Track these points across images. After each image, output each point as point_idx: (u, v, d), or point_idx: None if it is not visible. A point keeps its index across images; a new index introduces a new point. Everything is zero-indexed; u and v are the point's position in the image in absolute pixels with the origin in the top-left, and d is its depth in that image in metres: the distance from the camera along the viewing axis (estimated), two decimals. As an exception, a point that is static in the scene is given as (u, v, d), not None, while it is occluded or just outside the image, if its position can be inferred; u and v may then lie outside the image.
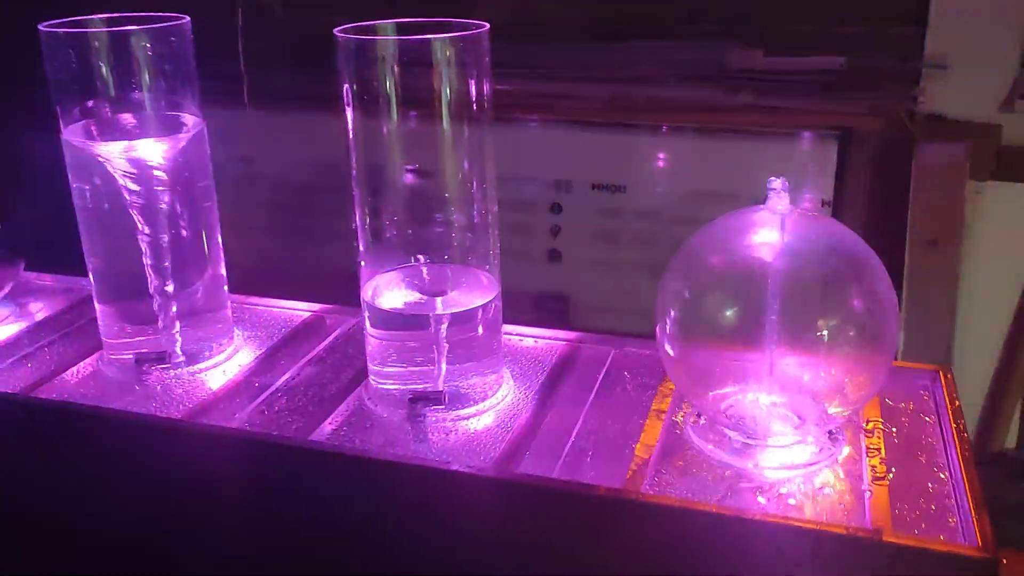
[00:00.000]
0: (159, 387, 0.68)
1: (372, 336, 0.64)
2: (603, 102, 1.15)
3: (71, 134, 0.66)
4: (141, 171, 0.65)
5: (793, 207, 0.57)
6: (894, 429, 0.60)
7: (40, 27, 0.63)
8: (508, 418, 0.63)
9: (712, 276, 0.57)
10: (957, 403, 0.61)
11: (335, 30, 0.58)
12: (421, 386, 0.63)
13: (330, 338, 0.75)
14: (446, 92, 0.57)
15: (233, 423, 0.62)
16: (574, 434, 0.61)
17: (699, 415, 0.61)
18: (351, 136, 0.61)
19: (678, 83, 1.16)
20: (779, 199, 0.56)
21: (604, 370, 0.69)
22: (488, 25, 0.57)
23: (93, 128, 0.66)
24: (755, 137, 1.09)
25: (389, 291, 0.65)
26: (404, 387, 0.64)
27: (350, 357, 0.72)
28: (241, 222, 1.29)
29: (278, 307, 0.81)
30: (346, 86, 0.59)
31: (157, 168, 0.65)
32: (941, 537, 0.49)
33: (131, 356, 0.69)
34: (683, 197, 1.11)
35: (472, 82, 0.58)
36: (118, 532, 0.65)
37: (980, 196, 1.17)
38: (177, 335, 0.70)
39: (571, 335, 0.74)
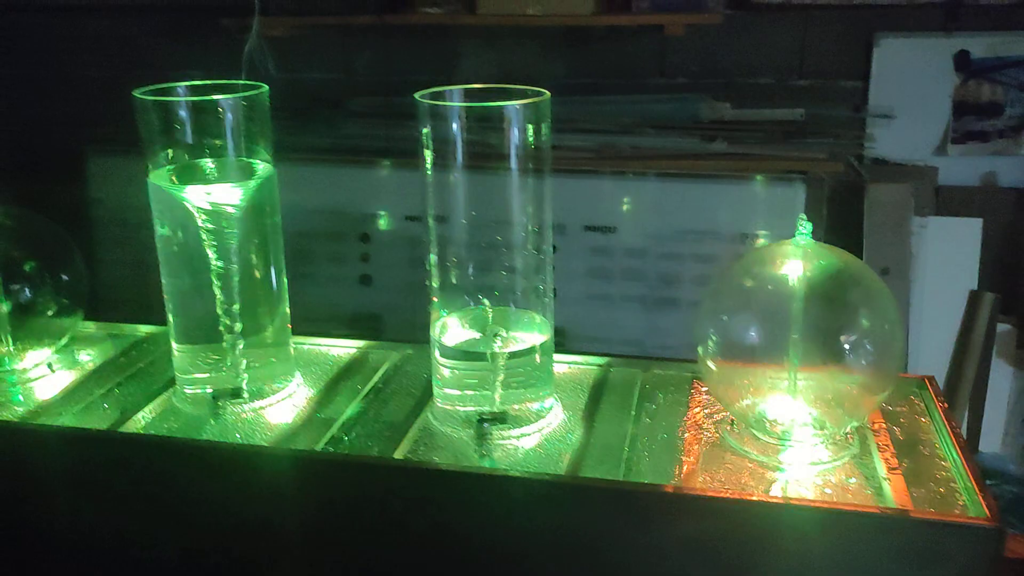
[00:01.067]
0: (236, 421, 0.73)
1: (441, 366, 0.71)
2: (591, 151, 1.25)
3: (157, 178, 0.71)
4: (217, 212, 0.71)
5: (815, 241, 0.66)
6: (896, 429, 0.70)
7: (134, 94, 0.70)
8: (564, 434, 0.70)
9: (745, 301, 0.66)
10: (946, 405, 0.71)
11: (416, 95, 0.66)
12: (485, 408, 0.70)
13: (381, 371, 0.81)
14: (513, 149, 0.66)
15: (312, 449, 0.68)
16: (626, 445, 0.68)
17: (732, 422, 0.70)
18: (427, 188, 0.68)
19: (657, 133, 1.27)
20: (804, 234, 0.66)
21: (638, 389, 0.77)
22: (549, 93, 0.66)
23: (175, 176, 0.72)
24: (730, 180, 1.20)
25: (456, 329, 0.72)
26: (469, 409, 0.70)
27: (406, 387, 0.78)
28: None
29: (325, 344, 0.87)
30: (423, 144, 0.67)
31: (231, 209, 0.71)
32: (956, 512, 0.58)
33: (205, 391, 0.74)
34: (669, 236, 1.21)
35: (535, 140, 0.66)
36: (211, 560, 0.70)
37: (924, 230, 1.30)
38: (246, 371, 0.75)
39: (601, 360, 0.82)
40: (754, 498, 0.58)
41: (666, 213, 1.22)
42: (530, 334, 0.71)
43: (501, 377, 0.70)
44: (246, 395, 0.75)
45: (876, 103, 1.32)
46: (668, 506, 0.60)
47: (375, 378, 0.80)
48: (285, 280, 0.78)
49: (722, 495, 0.59)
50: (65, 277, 0.80)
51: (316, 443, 0.69)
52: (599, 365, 0.81)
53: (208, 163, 0.72)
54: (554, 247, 1.34)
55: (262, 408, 0.75)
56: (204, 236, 0.72)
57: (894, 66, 1.33)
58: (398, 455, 0.68)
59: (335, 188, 1.33)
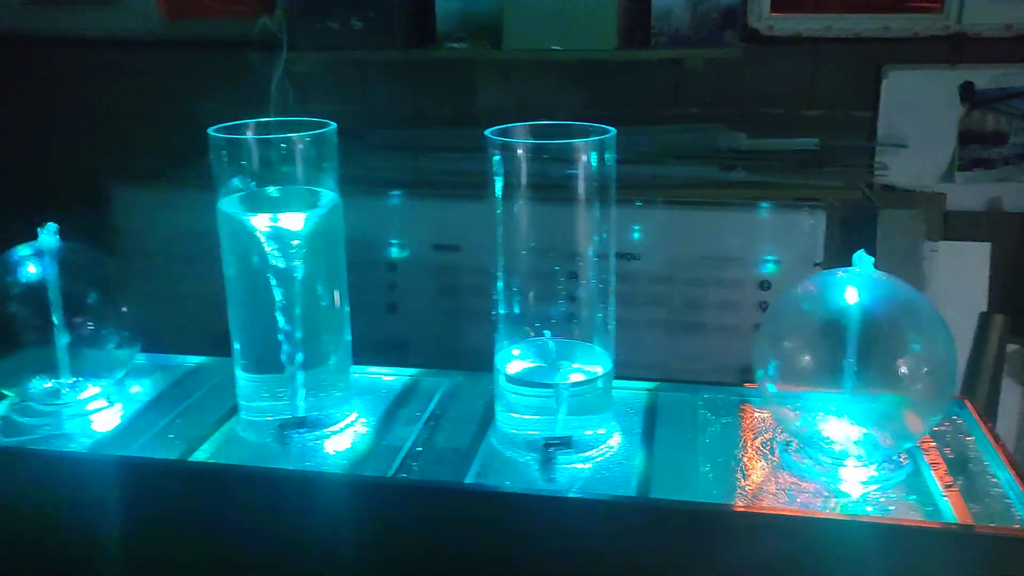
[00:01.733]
0: (302, 449, 0.74)
1: (506, 393, 0.74)
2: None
3: (226, 205, 0.73)
4: (283, 238, 0.73)
5: (872, 269, 0.69)
6: (944, 448, 0.73)
7: (209, 131, 0.72)
8: (626, 457, 0.72)
9: (804, 326, 0.69)
10: (989, 424, 0.74)
11: (487, 132, 0.69)
12: (549, 434, 0.72)
13: (436, 398, 0.83)
14: (582, 184, 0.68)
15: (384, 475, 0.70)
16: (691, 465, 0.71)
17: (789, 443, 0.72)
18: (496, 220, 0.71)
19: (677, 162, 1.30)
20: (861, 264, 0.69)
21: (690, 412, 0.79)
22: (615, 130, 0.69)
23: (243, 203, 0.74)
24: (750, 208, 1.24)
25: (520, 358, 0.74)
26: (533, 435, 0.73)
27: (465, 413, 0.80)
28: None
29: (373, 374, 0.89)
30: (494, 178, 0.69)
31: (296, 236, 0.73)
32: (1016, 526, 0.61)
33: (270, 420, 0.76)
34: (691, 262, 1.24)
35: (601, 173, 0.69)
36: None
37: (935, 254, 1.35)
38: (309, 400, 0.77)
39: (650, 384, 0.84)
40: (826, 516, 0.61)
41: (688, 240, 1.25)
42: (593, 365, 0.74)
43: (565, 407, 0.72)
44: (311, 424, 0.76)
45: (885, 132, 1.37)
46: (740, 526, 0.62)
47: (431, 405, 0.82)
48: (347, 308, 0.79)
49: (794, 513, 0.62)
50: (124, 309, 0.82)
51: (386, 469, 0.71)
52: (648, 390, 0.84)
53: (275, 191, 0.74)
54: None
55: (327, 436, 0.76)
56: (270, 262, 0.73)
57: (902, 97, 1.38)
58: (468, 480, 0.70)
59: (361, 218, 1.35)
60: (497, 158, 0.69)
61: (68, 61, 1.61)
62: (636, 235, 1.22)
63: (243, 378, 0.78)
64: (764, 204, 1.20)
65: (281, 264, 0.73)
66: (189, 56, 1.56)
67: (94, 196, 1.40)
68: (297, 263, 0.74)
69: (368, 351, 1.40)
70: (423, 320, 1.28)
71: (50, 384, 0.81)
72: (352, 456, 0.73)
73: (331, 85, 1.48)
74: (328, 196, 0.75)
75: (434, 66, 1.40)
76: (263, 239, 0.73)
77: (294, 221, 0.73)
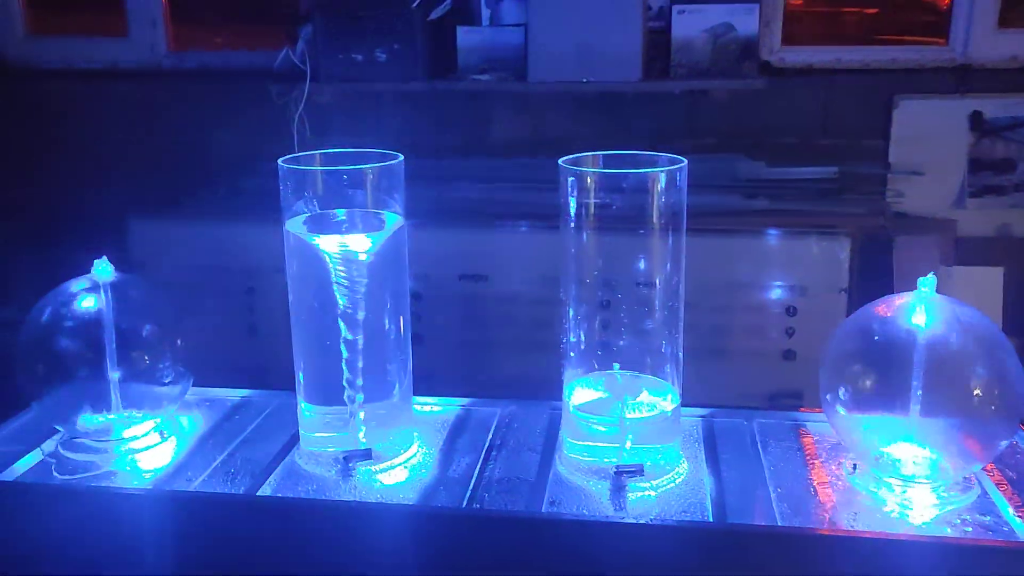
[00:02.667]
0: (369, 481, 0.74)
1: (573, 424, 0.74)
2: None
3: (292, 226, 0.74)
4: (348, 259, 0.73)
5: (938, 294, 0.71)
6: (1007, 469, 0.74)
7: (280, 161, 0.73)
8: (695, 482, 0.73)
9: (871, 350, 0.70)
10: (1046, 445, 0.76)
11: (560, 161, 0.70)
12: (613, 461, 0.73)
13: (492, 430, 0.83)
14: (655, 214, 0.70)
15: (459, 505, 0.70)
16: (762, 489, 0.71)
17: (855, 465, 0.73)
18: (568, 251, 0.72)
19: (698, 191, 1.33)
20: (927, 288, 0.71)
21: (749, 437, 0.80)
22: (686, 160, 0.70)
23: (308, 225, 0.74)
24: (775, 235, 1.26)
25: (586, 392, 0.75)
26: (602, 463, 0.73)
27: (525, 442, 0.80)
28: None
29: (424, 404, 0.89)
30: (567, 207, 0.71)
31: (362, 257, 0.73)
32: (1095, 545, 0.63)
33: (333, 451, 0.76)
34: (717, 289, 1.26)
35: (673, 204, 0.70)
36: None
37: (949, 279, 1.38)
38: (372, 430, 0.76)
39: (703, 411, 0.85)
40: (911, 538, 0.62)
41: (714, 267, 1.27)
42: (659, 399, 0.74)
43: (630, 440, 0.73)
44: (375, 456, 0.76)
45: (896, 161, 1.42)
46: (823, 548, 0.63)
47: (490, 434, 0.82)
48: (409, 337, 0.79)
49: (878, 536, 0.63)
50: (179, 342, 0.81)
51: (458, 500, 0.71)
52: (702, 416, 0.85)
53: (341, 213, 0.74)
54: (608, 302, 1.39)
55: (391, 468, 0.76)
56: (334, 285, 0.73)
57: (913, 126, 1.43)
58: (543, 509, 0.70)
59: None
60: (569, 187, 0.71)
61: (73, 93, 1.60)
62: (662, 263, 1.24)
63: (306, 409, 0.77)
64: (788, 231, 1.23)
65: (347, 286, 0.73)
66: (198, 87, 1.56)
67: (112, 229, 1.39)
68: (362, 287, 0.74)
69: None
70: (449, 350, 1.28)
71: (101, 419, 0.81)
72: (420, 488, 0.73)
73: (349, 115, 1.49)
74: (393, 219, 0.75)
75: (457, 97, 1.42)
76: (329, 260, 0.73)
77: (361, 242, 0.74)
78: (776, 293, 1.25)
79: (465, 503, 0.70)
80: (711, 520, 0.67)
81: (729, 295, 1.26)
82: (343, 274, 0.73)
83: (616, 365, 0.75)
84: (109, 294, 0.79)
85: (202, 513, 0.70)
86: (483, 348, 1.29)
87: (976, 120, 1.45)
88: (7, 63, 1.63)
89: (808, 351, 1.26)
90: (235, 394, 0.91)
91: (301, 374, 0.77)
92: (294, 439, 0.81)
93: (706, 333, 1.28)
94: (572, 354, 0.75)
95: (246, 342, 1.34)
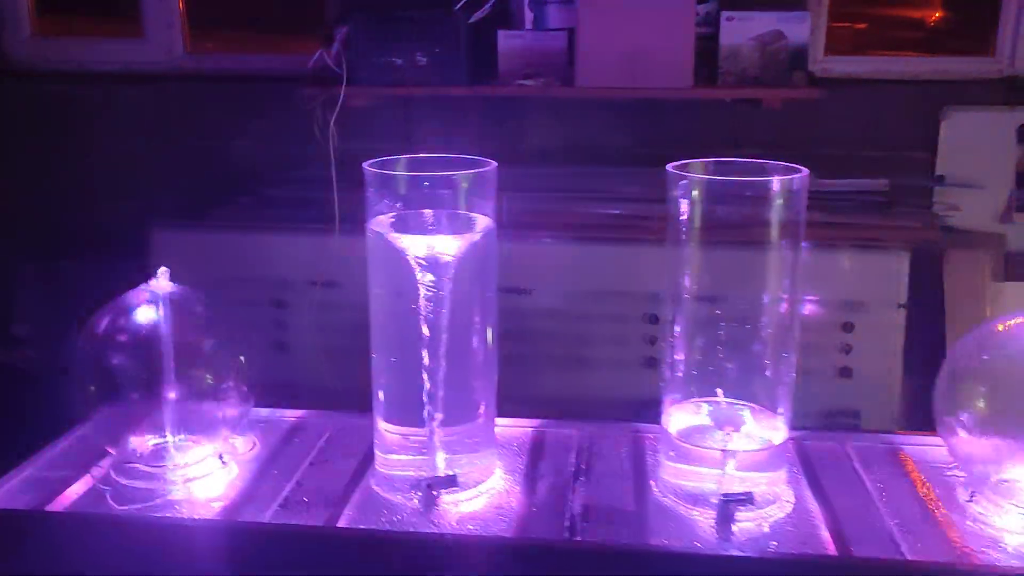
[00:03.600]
0: (455, 510, 0.69)
1: (671, 450, 0.70)
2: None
3: (377, 225, 0.70)
4: (434, 261, 0.69)
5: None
6: None
7: (364, 165, 0.69)
8: (806, 510, 0.69)
9: (991, 374, 0.67)
10: None
11: (669, 166, 0.66)
12: (714, 487, 0.69)
13: (575, 453, 0.79)
14: (774, 227, 0.66)
15: (563, 537, 0.65)
16: (876, 518, 0.68)
17: (972, 492, 0.70)
18: (679, 264, 0.68)
19: (747, 203, 1.30)
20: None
21: (850, 462, 0.77)
22: (806, 169, 0.67)
23: (394, 225, 0.70)
24: (831, 249, 1.23)
25: (688, 417, 0.71)
26: (703, 492, 0.69)
27: (613, 468, 0.76)
28: (325, 343, 1.30)
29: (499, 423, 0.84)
30: (675, 217, 0.67)
31: (448, 259, 0.69)
32: None
33: (413, 478, 0.71)
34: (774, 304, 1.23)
35: (795, 216, 0.67)
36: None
37: (1000, 294, 1.36)
38: (448, 455, 0.72)
39: (795, 433, 0.81)
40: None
41: (772, 281, 1.24)
42: (765, 430, 0.71)
43: (732, 465, 0.69)
44: (459, 482, 0.71)
45: (943, 174, 1.40)
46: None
47: (572, 458, 0.78)
48: (496, 352, 0.74)
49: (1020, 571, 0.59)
50: (242, 358, 0.76)
51: (558, 531, 0.66)
52: (791, 437, 0.81)
53: (429, 213, 0.70)
54: (656, 317, 1.35)
55: (477, 496, 0.71)
56: (420, 289, 0.69)
57: (960, 138, 1.41)
58: (642, 539, 0.66)
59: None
60: (678, 195, 0.67)
61: (84, 97, 1.55)
62: (720, 277, 1.21)
63: (385, 429, 0.73)
64: (844, 245, 1.21)
65: (431, 292, 0.69)
66: (216, 92, 1.51)
67: (134, 240, 1.34)
68: (446, 292, 0.69)
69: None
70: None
71: (156, 441, 0.75)
72: (512, 518, 0.69)
73: (382, 120, 1.44)
74: (483, 222, 0.71)
75: (497, 103, 1.38)
76: (414, 262, 0.68)
77: (448, 244, 0.69)
78: (833, 309, 1.22)
79: (566, 534, 0.66)
80: (835, 554, 0.63)
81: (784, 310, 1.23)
82: (428, 277, 0.69)
83: (719, 391, 0.71)
84: (168, 308, 0.74)
85: (279, 547, 0.65)
86: (527, 364, 1.25)
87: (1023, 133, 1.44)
88: (12, 64, 1.57)
89: (866, 368, 1.23)
90: (288, 415, 0.86)
91: (381, 392, 0.73)
92: (365, 463, 0.77)
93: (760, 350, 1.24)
94: (672, 376, 0.71)
95: (275, 358, 1.29)
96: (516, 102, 1.41)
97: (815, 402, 1.22)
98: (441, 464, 0.72)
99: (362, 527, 0.67)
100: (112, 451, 0.76)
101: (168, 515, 0.68)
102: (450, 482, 0.71)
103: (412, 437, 0.71)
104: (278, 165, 1.51)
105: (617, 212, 1.34)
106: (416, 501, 0.70)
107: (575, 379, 1.31)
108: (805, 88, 1.34)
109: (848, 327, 1.22)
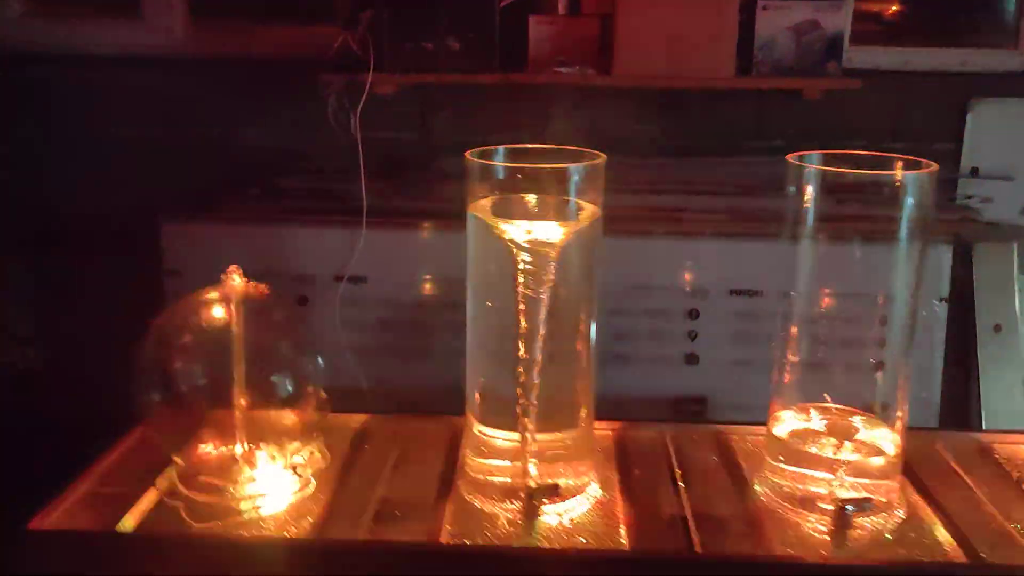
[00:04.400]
0: (559, 520, 0.66)
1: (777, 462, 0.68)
2: (722, 212, 1.25)
3: (477, 210, 0.66)
4: (535, 251, 0.65)
5: None
6: None
7: (467, 154, 0.65)
8: (917, 514, 0.67)
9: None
10: None
11: (790, 157, 0.63)
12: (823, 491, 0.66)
13: (663, 456, 0.76)
14: (904, 222, 0.64)
15: (685, 550, 0.62)
16: (993, 521, 0.66)
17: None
18: (802, 260, 0.65)
19: (777, 194, 1.29)
20: None
21: (946, 462, 0.75)
22: (936, 164, 0.64)
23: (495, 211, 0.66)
24: (871, 242, 1.22)
25: (796, 424, 0.68)
26: (812, 494, 0.67)
27: (713, 473, 0.73)
28: (352, 341, 1.25)
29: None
30: (801, 212, 0.64)
31: (551, 247, 0.65)
32: None
33: (506, 486, 0.67)
34: (814, 298, 1.22)
35: (924, 210, 0.64)
36: None
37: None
38: (542, 461, 0.68)
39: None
40: None
41: (808, 274, 1.23)
42: (879, 440, 0.68)
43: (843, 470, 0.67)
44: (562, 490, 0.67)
45: (970, 165, 1.40)
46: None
47: (663, 462, 0.75)
48: (596, 352, 0.70)
49: None
50: (320, 361, 0.71)
51: (674, 541, 0.63)
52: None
53: (531, 199, 0.66)
54: (697, 312, 1.33)
55: (580, 504, 0.68)
56: (520, 277, 0.65)
57: (986, 130, 1.42)
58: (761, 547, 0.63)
59: (442, 254, 1.27)
60: (799, 188, 0.64)
61: (80, 81, 1.46)
62: (755, 270, 1.20)
63: (481, 433, 0.69)
64: (884, 237, 1.20)
65: (531, 280, 0.65)
66: (223, 77, 1.44)
67: (142, 234, 1.26)
68: (547, 281, 0.65)
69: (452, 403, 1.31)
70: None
71: (224, 451, 0.70)
72: (620, 528, 0.65)
73: (406, 108, 1.39)
74: (590, 209, 0.67)
75: (528, 91, 1.34)
76: (515, 248, 0.64)
77: (551, 231, 0.65)
78: (870, 302, 1.21)
79: (684, 545, 0.63)
80: (968, 562, 0.61)
81: (828, 303, 1.22)
82: (529, 265, 0.64)
83: (827, 396, 0.69)
84: (240, 308, 0.69)
85: (383, 566, 0.61)
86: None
87: (1047, 125, 1.46)
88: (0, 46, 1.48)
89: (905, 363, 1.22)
90: (352, 420, 0.81)
91: (476, 393, 0.69)
92: (448, 470, 0.73)
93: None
94: (781, 377, 0.68)
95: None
96: (557, 91, 1.36)
97: (854, 397, 1.21)
98: (536, 471, 0.68)
99: (473, 543, 0.62)
100: (179, 461, 0.70)
101: (255, 534, 0.63)
102: (552, 491, 0.67)
103: (509, 442, 0.67)
104: (290, 154, 1.45)
105: (651, 204, 1.31)
106: (518, 511, 0.66)
107: (613, 375, 1.28)
108: (846, 79, 1.33)
109: (884, 321, 1.22)
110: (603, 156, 0.66)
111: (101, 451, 0.75)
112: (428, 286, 1.28)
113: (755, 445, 0.77)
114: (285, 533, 0.63)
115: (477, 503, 0.68)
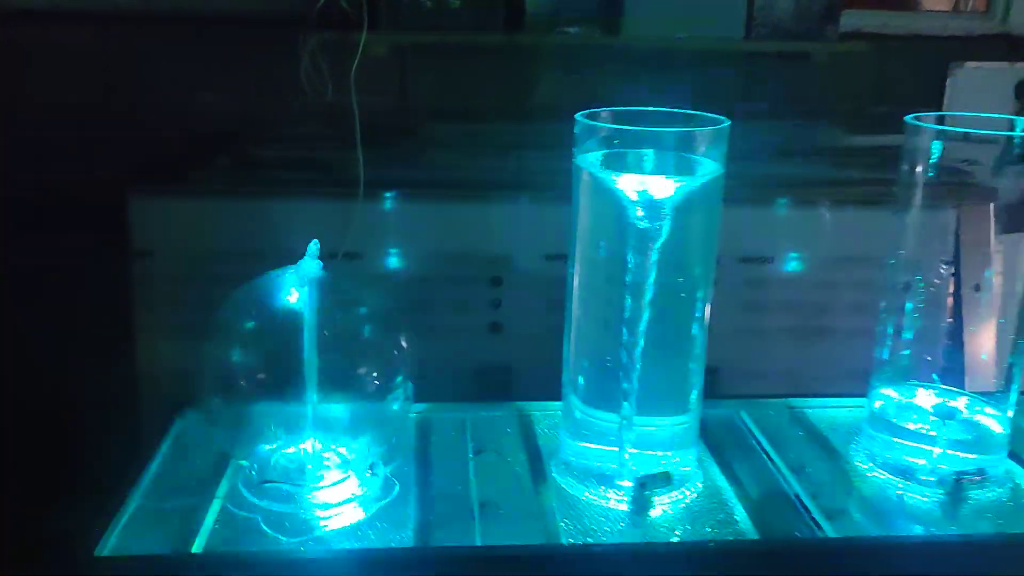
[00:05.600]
0: (671, 512, 0.62)
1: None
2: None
3: (585, 162, 0.61)
4: (650, 206, 0.60)
5: None
6: None
7: (577, 116, 0.60)
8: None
9: None
10: None
11: (908, 118, 0.61)
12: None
13: (752, 435, 0.74)
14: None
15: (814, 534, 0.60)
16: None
17: None
18: (906, 229, 0.63)
19: (781, 161, 1.27)
20: None
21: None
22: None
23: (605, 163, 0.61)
24: (876, 207, 1.23)
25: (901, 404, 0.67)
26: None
27: (813, 453, 0.71)
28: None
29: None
30: (913, 176, 0.62)
31: (665, 205, 0.60)
32: None
33: (609, 473, 0.63)
34: (818, 265, 1.22)
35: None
36: None
37: (1002, 247, 1.41)
38: (641, 443, 0.64)
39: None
40: None
41: (818, 241, 1.23)
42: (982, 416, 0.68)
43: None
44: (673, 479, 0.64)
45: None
46: None
47: (757, 443, 0.72)
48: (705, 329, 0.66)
49: None
50: (406, 345, 0.65)
51: (800, 527, 0.61)
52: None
53: (646, 153, 0.61)
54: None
55: (688, 493, 0.64)
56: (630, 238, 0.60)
57: (964, 94, 1.45)
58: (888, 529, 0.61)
59: (458, 226, 1.21)
60: (919, 150, 0.62)
61: (9, 39, 1.30)
62: (768, 236, 1.19)
63: (579, 410, 0.64)
64: (885, 203, 1.21)
65: (639, 243, 0.60)
66: (175, 34, 1.31)
67: (107, 210, 1.14)
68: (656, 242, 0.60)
69: (468, 378, 1.25)
70: (531, 342, 1.16)
71: (297, 450, 0.63)
72: (739, 517, 0.62)
73: (393, 71, 1.30)
74: (710, 166, 0.62)
75: (529, 53, 1.27)
76: (625, 202, 0.60)
77: (664, 186, 0.60)
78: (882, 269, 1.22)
79: (810, 530, 0.60)
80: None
81: (834, 271, 1.22)
82: (643, 224, 0.60)
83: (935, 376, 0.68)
84: (317, 292, 0.61)
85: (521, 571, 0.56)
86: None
87: (1021, 89, 1.51)
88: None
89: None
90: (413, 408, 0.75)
91: (581, 377, 0.64)
92: (533, 459, 0.68)
93: (809, 312, 1.23)
94: (892, 353, 0.67)
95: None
96: (561, 52, 1.30)
97: (864, 362, 1.22)
98: (641, 458, 0.64)
99: (606, 543, 0.58)
100: (246, 463, 0.63)
101: (359, 547, 0.57)
102: (665, 481, 0.64)
103: (613, 425, 0.63)
104: (263, 121, 1.34)
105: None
106: (628, 503, 0.62)
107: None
108: (854, 40, 1.34)
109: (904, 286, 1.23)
110: (726, 121, 0.62)
111: (140, 456, 0.67)
112: (427, 261, 1.21)
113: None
114: (389, 543, 0.57)
115: (582, 495, 0.63)
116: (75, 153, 1.30)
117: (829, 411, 0.80)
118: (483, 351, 1.21)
